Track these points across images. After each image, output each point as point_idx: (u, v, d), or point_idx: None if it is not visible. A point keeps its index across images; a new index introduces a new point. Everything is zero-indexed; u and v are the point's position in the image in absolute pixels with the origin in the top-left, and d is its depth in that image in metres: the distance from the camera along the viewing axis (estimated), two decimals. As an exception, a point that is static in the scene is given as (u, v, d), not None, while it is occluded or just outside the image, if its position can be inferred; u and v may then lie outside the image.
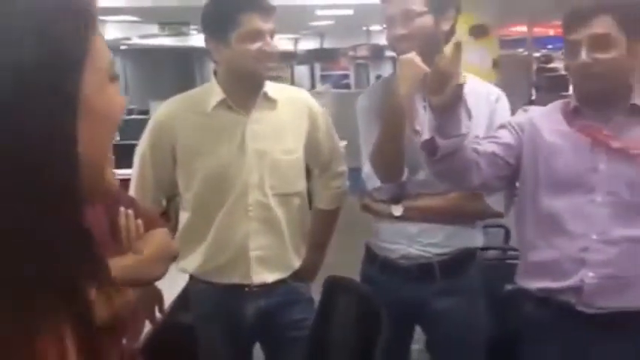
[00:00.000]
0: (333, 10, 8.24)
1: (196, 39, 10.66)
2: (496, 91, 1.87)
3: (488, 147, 1.62)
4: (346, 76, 15.86)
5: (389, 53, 13.65)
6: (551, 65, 9.70)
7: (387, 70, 17.44)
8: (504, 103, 1.85)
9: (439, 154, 1.51)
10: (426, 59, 1.70)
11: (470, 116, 1.79)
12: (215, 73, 1.90)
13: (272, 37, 1.80)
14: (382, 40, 12.70)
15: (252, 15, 1.74)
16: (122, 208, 1.32)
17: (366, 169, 1.87)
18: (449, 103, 1.44)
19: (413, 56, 1.69)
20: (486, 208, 1.82)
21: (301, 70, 14.03)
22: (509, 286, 2.18)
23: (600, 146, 1.55)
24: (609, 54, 1.47)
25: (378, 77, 16.48)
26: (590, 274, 1.53)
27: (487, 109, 1.80)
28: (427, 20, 1.76)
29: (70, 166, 0.52)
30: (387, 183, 1.83)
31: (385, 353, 1.87)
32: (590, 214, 1.55)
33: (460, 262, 1.86)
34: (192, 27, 7.41)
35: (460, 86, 1.41)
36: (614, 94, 1.54)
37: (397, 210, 1.85)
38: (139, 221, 1.33)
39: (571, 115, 1.60)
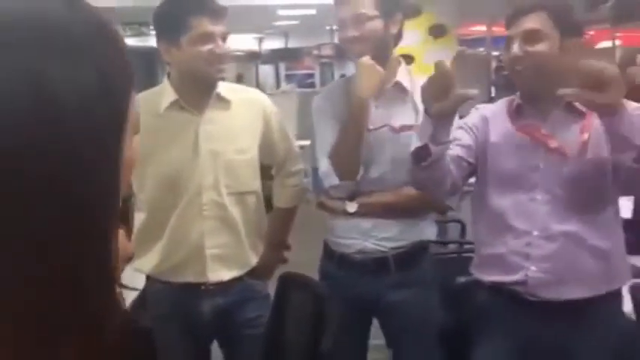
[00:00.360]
0: (296, 10, 8.26)
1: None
2: None
3: (454, 150, 1.67)
4: (311, 76, 15.84)
5: (353, 52, 13.68)
6: (509, 64, 9.96)
7: (351, 69, 17.47)
8: None
9: (429, 161, 1.54)
10: (376, 61, 1.79)
11: (418, 114, 1.86)
12: (168, 74, 1.91)
13: (224, 39, 1.81)
14: (346, 40, 12.79)
15: (202, 18, 1.75)
16: None
17: (323, 167, 1.91)
18: (448, 111, 1.49)
19: (368, 60, 1.77)
20: (435, 202, 1.89)
21: (266, 70, 13.98)
22: (462, 279, 2.26)
23: (539, 145, 1.62)
24: (539, 48, 1.54)
25: (343, 76, 16.53)
26: (533, 267, 1.61)
27: None
28: (377, 24, 1.82)
29: (112, 216, 0.56)
30: (346, 181, 1.88)
31: (343, 347, 1.92)
32: (531, 211, 1.62)
33: (414, 254, 1.93)
34: (152, 27, 7.36)
35: (463, 96, 1.45)
36: (549, 91, 1.59)
37: (352, 207, 1.90)
38: None
39: (514, 113, 1.67)
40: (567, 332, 1.61)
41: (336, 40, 11.94)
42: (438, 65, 1.46)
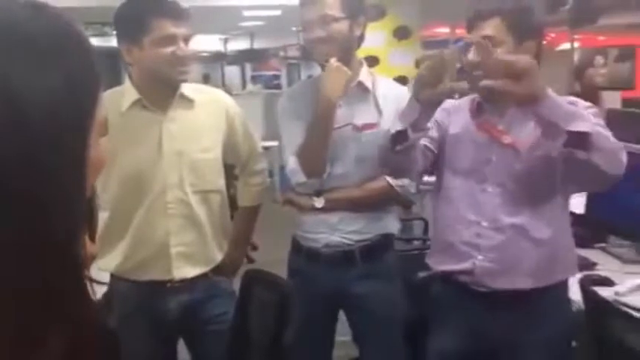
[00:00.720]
0: (261, 11, 8.25)
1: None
2: (403, 89, 2.00)
3: (422, 140, 1.72)
4: (277, 77, 15.85)
5: (320, 53, 13.72)
6: (471, 65, 10.18)
7: (317, 70, 17.51)
8: None
9: (405, 145, 1.59)
10: (341, 62, 1.85)
11: (380, 113, 1.92)
12: (129, 74, 1.90)
13: (186, 41, 1.81)
14: (312, 41, 12.83)
15: (164, 20, 1.76)
16: None
17: (291, 165, 1.96)
18: (436, 100, 1.53)
19: (335, 62, 1.83)
20: (396, 196, 1.96)
21: (232, 71, 13.94)
22: (422, 273, 2.33)
23: (494, 141, 1.68)
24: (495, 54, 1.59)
25: (310, 77, 16.56)
26: (481, 257, 1.68)
27: (395, 106, 1.92)
28: (343, 25, 1.88)
29: (78, 217, 0.57)
30: (313, 178, 1.94)
31: (311, 339, 2.00)
32: (482, 202, 1.69)
33: (378, 247, 2.00)
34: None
35: (453, 87, 1.48)
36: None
37: (319, 202, 1.96)
38: None
39: (475, 110, 1.74)
40: (513, 322, 1.67)
41: (301, 41, 12.00)
42: (437, 55, 1.51)
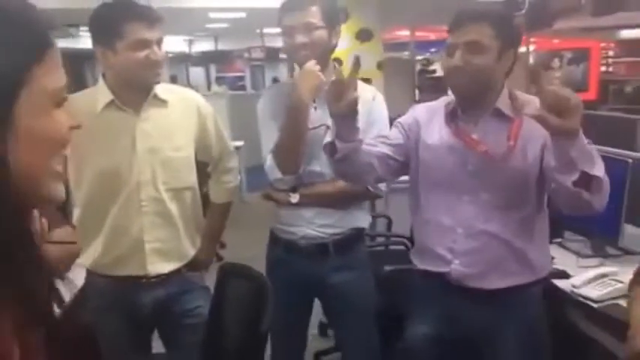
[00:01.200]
0: (227, 13, 8.26)
1: (86, 41, 10.25)
2: (373, 91, 2.10)
3: (380, 148, 1.82)
4: (241, 78, 15.84)
5: (284, 55, 13.76)
6: (432, 68, 10.39)
7: (282, 71, 17.54)
8: (380, 100, 2.09)
9: (338, 156, 1.69)
10: (317, 66, 1.95)
11: None
12: (103, 75, 1.94)
13: (159, 45, 1.86)
14: (276, 43, 12.84)
15: (137, 25, 1.80)
16: None
17: (268, 162, 2.05)
18: (345, 112, 1.62)
19: (313, 65, 1.93)
20: (367, 192, 2.06)
21: (197, 72, 13.89)
22: (388, 267, 2.44)
23: (469, 149, 1.73)
24: (480, 58, 1.63)
25: (274, 79, 16.53)
26: (457, 261, 1.77)
27: (365, 107, 2.02)
28: (323, 33, 1.98)
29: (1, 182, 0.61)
30: (287, 175, 2.03)
31: (288, 325, 2.13)
32: (458, 210, 1.76)
33: (350, 240, 2.11)
34: (81, 29, 7.20)
35: (355, 99, 1.59)
36: (482, 96, 1.71)
37: (295, 197, 2.06)
38: (44, 220, 1.36)
39: (449, 116, 1.79)
40: (486, 315, 1.76)
41: (266, 44, 12.03)
42: (336, 72, 1.64)
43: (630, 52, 14.23)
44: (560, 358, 1.86)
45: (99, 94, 1.91)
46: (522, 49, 7.93)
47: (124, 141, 1.90)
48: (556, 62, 9.40)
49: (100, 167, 1.89)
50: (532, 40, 8.24)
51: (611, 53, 13.09)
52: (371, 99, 2.05)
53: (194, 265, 2.07)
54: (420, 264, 1.88)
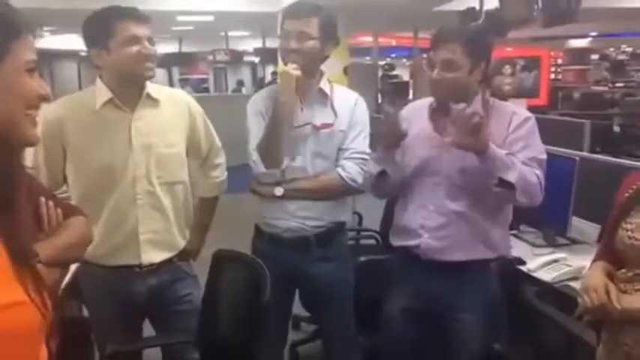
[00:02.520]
0: (194, 17, 8.31)
1: (47, 41, 10.15)
2: (355, 96, 2.31)
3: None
4: (205, 80, 15.82)
5: (247, 58, 13.89)
6: (394, 72, 10.70)
7: (245, 74, 17.57)
8: (361, 104, 2.29)
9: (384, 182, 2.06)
10: (307, 73, 2.14)
11: (336, 115, 2.22)
12: (100, 76, 2.06)
13: (149, 41, 2.01)
14: (240, 46, 12.92)
15: (127, 22, 1.95)
16: (42, 199, 1.45)
17: (253, 157, 2.21)
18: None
19: (292, 68, 2.09)
20: (348, 187, 2.23)
21: (160, 73, 13.82)
22: (362, 258, 2.64)
23: (442, 140, 2.00)
24: (453, 74, 1.92)
25: (239, 82, 16.53)
26: (426, 235, 2.02)
27: (348, 109, 2.24)
28: (316, 44, 2.14)
29: None
30: (270, 169, 2.19)
31: (270, 314, 2.20)
32: (432, 191, 2.03)
33: (332, 233, 2.28)
34: (45, 29, 7.16)
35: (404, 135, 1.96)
36: (457, 101, 1.93)
37: (278, 191, 2.21)
38: (59, 210, 1.48)
39: (431, 113, 2.07)
40: (452, 288, 2.02)
41: (230, 46, 12.09)
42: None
43: (577, 61, 14.91)
44: (515, 329, 2.10)
45: (97, 93, 2.03)
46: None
47: (120, 137, 2.02)
48: (507, 69, 9.81)
49: (99, 161, 2.00)
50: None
51: (559, 61, 13.70)
52: (354, 103, 2.25)
53: (184, 255, 2.20)
54: (395, 241, 2.13)
